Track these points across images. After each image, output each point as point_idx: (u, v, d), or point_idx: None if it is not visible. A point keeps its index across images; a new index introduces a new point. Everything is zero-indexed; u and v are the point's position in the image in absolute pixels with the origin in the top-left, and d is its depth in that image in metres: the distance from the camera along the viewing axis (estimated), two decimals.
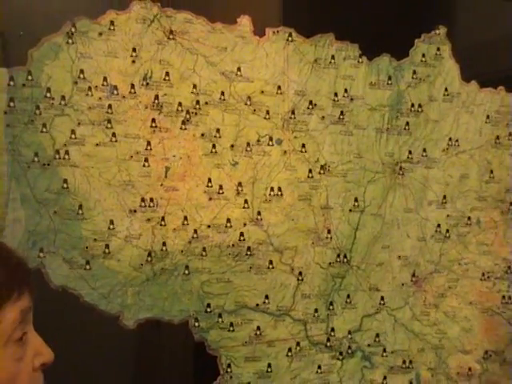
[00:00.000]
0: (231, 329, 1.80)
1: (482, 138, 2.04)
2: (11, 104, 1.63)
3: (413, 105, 1.96)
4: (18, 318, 1.03)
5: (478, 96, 2.03)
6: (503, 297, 2.06)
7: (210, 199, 1.78)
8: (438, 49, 1.99)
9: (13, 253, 1.11)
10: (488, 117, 2.04)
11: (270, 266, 1.84)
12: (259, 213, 1.83)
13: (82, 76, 1.67)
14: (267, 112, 1.83)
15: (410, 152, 1.96)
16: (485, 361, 2.05)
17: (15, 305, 1.03)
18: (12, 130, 1.63)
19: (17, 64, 1.63)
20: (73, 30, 1.66)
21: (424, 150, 1.98)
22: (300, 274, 1.86)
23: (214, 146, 1.79)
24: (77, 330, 1.68)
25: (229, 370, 1.80)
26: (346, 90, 1.90)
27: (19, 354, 1.04)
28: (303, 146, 1.86)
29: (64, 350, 1.64)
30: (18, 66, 1.63)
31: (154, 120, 1.73)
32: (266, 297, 1.83)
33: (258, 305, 1.83)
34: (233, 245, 1.80)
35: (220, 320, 1.79)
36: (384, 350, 1.95)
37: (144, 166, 1.73)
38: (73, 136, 1.67)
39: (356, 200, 1.91)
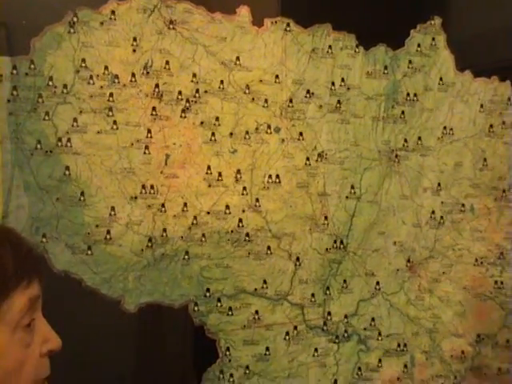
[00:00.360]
0: (230, 313, 1.81)
1: (476, 127, 2.04)
2: (14, 92, 1.63)
3: (408, 94, 1.97)
4: (27, 306, 1.03)
5: (473, 85, 2.04)
6: (495, 282, 2.07)
7: (210, 186, 1.79)
8: (433, 39, 1.99)
9: (23, 240, 1.11)
10: (482, 106, 2.05)
11: (268, 252, 1.84)
12: (257, 200, 1.83)
13: (83, 65, 1.67)
14: (266, 101, 1.83)
15: (405, 140, 1.97)
16: (477, 344, 2.07)
17: (24, 293, 1.03)
18: (15, 118, 1.63)
19: (20, 53, 1.63)
20: (74, 19, 1.66)
21: (419, 139, 1.98)
22: (297, 259, 1.87)
23: (213, 134, 1.79)
24: (79, 313, 1.68)
25: (228, 353, 1.81)
26: (342, 80, 1.90)
27: (27, 341, 1.04)
28: (301, 134, 1.87)
29: (66, 334, 1.67)
30: (21, 56, 1.63)
31: (154, 108, 1.74)
32: (264, 282, 1.84)
33: (256, 289, 1.83)
34: (232, 231, 1.81)
35: (219, 304, 1.80)
36: (379, 334, 1.97)
37: (145, 153, 1.73)
38: (75, 124, 1.67)
39: (352, 187, 1.92)
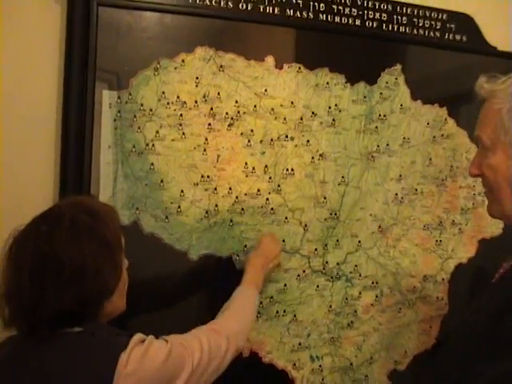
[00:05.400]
0: None
1: (425, 137, 2.03)
2: (118, 114, 1.66)
3: (380, 115, 1.96)
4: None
5: (422, 110, 2.03)
6: (436, 241, 2.06)
7: (247, 176, 1.79)
8: (396, 78, 1.98)
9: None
10: (428, 123, 2.04)
11: (286, 220, 1.85)
12: (279, 185, 1.83)
13: (163, 95, 1.69)
14: (284, 119, 1.83)
15: (378, 146, 1.97)
16: (424, 281, 2.06)
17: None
18: (119, 131, 1.66)
19: (123, 88, 1.66)
20: (158, 66, 1.68)
21: (387, 145, 1.98)
22: (306, 225, 1.88)
23: (249, 141, 1.79)
24: (160, 260, 1.72)
25: None
26: (336, 105, 1.90)
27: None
28: (308, 141, 1.87)
29: (152, 275, 1.71)
30: (123, 90, 1.66)
31: (209, 124, 1.74)
32: (283, 240, 1.84)
33: None
34: (261, 206, 1.82)
35: None
36: (360, 275, 1.96)
37: (203, 154, 1.74)
38: (157, 135, 1.69)
39: (343, 177, 1.92)
